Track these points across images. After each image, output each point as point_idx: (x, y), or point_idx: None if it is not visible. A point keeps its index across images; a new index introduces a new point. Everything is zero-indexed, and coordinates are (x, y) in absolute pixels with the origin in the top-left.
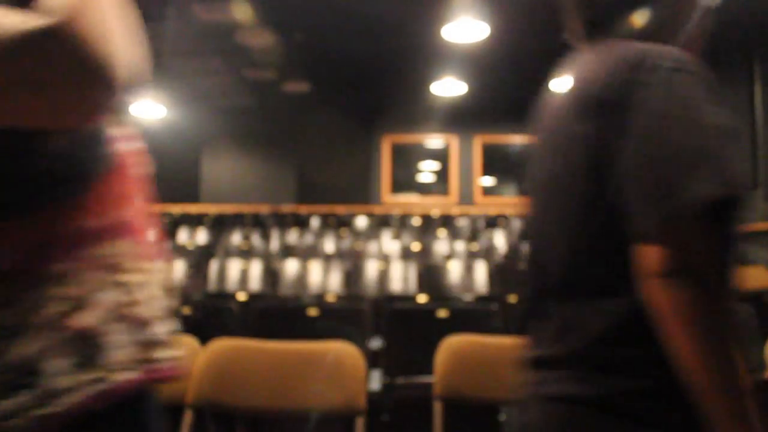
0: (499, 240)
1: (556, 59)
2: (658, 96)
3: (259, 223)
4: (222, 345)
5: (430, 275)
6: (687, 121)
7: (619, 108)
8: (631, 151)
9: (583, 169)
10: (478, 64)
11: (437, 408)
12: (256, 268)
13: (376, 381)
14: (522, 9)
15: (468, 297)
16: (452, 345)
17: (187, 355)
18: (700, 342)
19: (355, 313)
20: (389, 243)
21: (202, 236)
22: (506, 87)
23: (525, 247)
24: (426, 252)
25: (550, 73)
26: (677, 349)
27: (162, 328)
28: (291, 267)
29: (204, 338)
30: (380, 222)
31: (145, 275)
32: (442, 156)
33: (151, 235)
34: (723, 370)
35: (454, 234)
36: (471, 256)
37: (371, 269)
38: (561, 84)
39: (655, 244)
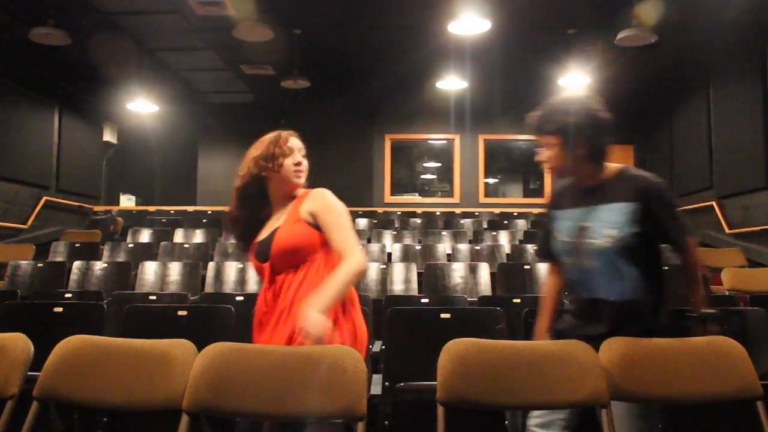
0: (503, 240)
1: (557, 56)
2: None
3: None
4: (219, 348)
5: (433, 277)
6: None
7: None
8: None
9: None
10: (480, 60)
11: (440, 413)
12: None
13: (376, 385)
14: (522, 6)
15: (471, 299)
16: (455, 348)
17: (184, 359)
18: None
19: None
20: (390, 243)
21: (199, 236)
22: (510, 85)
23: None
24: (428, 253)
25: (550, 71)
26: (698, 262)
27: None
28: None
29: (201, 341)
30: (381, 222)
31: None
32: (444, 155)
33: None
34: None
35: (457, 234)
36: (474, 257)
37: (372, 270)
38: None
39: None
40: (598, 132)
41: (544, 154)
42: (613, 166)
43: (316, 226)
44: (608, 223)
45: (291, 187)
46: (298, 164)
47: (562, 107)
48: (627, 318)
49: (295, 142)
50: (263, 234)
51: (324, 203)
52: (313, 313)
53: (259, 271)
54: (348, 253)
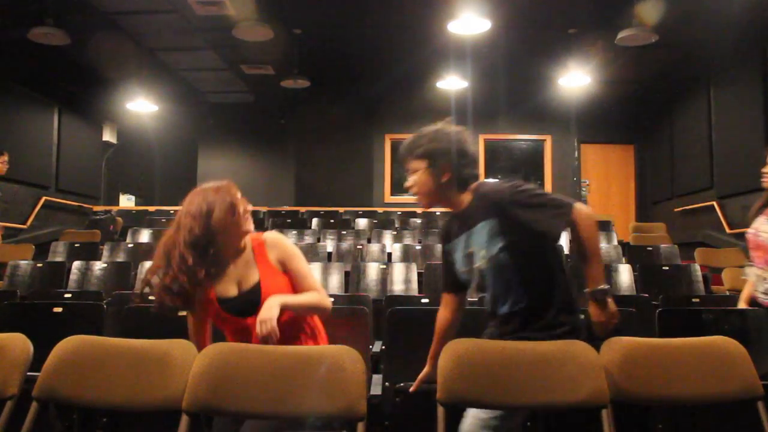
0: None
1: (557, 56)
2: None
3: (257, 223)
4: (219, 348)
5: (433, 277)
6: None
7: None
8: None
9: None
10: (480, 60)
11: (440, 413)
12: None
13: (376, 385)
14: (522, 5)
15: (471, 299)
16: (455, 348)
17: (184, 359)
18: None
19: (356, 315)
20: (390, 243)
21: None
22: (510, 84)
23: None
24: (428, 253)
25: (550, 70)
26: (591, 231)
27: None
28: None
29: None
30: (381, 222)
31: None
32: None
33: None
34: (597, 237)
35: None
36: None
37: (372, 270)
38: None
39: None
40: (463, 161)
41: (411, 179)
42: (472, 187)
43: (285, 272)
44: (480, 245)
45: (244, 234)
46: (246, 211)
47: (431, 134)
48: (517, 327)
49: (237, 190)
50: (229, 290)
51: (286, 251)
52: (275, 301)
53: (233, 325)
54: (318, 294)
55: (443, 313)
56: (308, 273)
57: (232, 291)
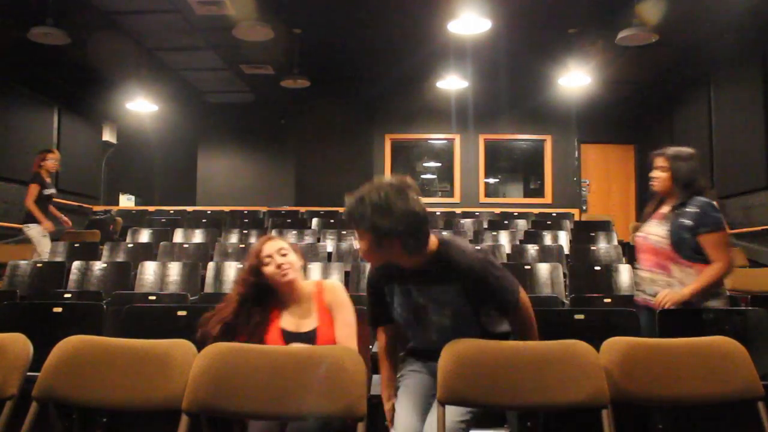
0: (504, 240)
1: (557, 56)
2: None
3: (257, 223)
4: (219, 348)
5: None
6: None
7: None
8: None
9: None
10: (481, 60)
11: (439, 413)
12: None
13: (377, 385)
14: (523, 5)
15: None
16: (455, 348)
17: (184, 359)
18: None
19: (356, 315)
20: None
21: (198, 236)
22: (510, 84)
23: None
24: None
25: (551, 70)
26: (532, 320)
27: None
28: None
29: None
30: None
31: None
32: (444, 155)
33: None
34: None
35: (457, 234)
36: None
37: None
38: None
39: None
40: (412, 237)
41: (360, 246)
42: (431, 245)
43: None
44: (444, 303)
45: (287, 285)
46: (279, 266)
47: (374, 205)
48: None
49: (269, 248)
50: (289, 324)
51: (338, 299)
52: None
53: None
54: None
55: (385, 342)
56: (346, 324)
57: (292, 327)
